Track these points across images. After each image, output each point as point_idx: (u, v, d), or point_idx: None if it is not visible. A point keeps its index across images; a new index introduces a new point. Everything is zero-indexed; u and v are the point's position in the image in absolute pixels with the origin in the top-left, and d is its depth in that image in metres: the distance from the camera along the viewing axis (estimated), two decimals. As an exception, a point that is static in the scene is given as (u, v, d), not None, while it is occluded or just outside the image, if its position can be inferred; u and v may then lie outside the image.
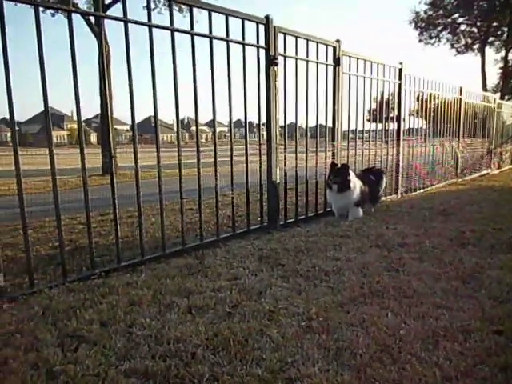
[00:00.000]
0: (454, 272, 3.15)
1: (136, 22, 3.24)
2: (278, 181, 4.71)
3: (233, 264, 3.46)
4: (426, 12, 26.99)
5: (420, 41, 28.09)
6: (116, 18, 3.24)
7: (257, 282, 2.99)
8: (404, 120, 7.15)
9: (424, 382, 1.75)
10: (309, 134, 5.29)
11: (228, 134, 4.46)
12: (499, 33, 26.65)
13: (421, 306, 2.52)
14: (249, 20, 4.11)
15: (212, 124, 4.11)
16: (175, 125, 3.83)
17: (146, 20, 3.30)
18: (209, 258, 3.65)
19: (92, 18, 11.15)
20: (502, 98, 20.29)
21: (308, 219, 5.25)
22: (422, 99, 8.09)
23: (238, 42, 4.03)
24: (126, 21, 3.20)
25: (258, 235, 4.47)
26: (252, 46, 4.19)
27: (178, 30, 3.52)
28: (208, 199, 4.65)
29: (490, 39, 26.84)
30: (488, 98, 11.27)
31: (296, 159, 4.98)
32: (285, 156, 4.80)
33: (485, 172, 10.91)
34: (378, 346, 2.03)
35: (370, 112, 7.00)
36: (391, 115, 6.95)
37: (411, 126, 7.66)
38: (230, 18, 3.92)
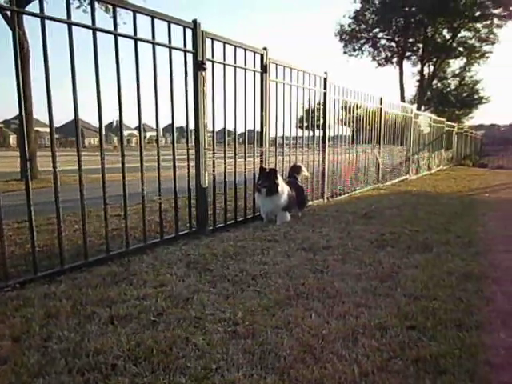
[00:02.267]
0: (374, 272, 3.32)
1: (54, 19, 3.08)
2: (206, 186, 4.68)
3: (160, 270, 3.38)
4: (349, 25, 28.45)
5: (344, 52, 29.54)
6: (32, 14, 3.07)
7: (184, 289, 2.95)
8: (330, 127, 7.46)
9: (344, 379, 1.82)
10: (239, 139, 5.34)
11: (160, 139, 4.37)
12: (415, 48, 28.73)
13: (343, 306, 2.62)
14: (176, 23, 4.06)
15: (143, 128, 3.99)
16: (101, 127, 3.67)
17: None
18: (135, 265, 3.53)
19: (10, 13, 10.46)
20: (418, 108, 21.83)
21: (237, 224, 5.27)
22: (347, 108, 8.49)
23: (165, 45, 3.96)
24: (42, 17, 3.02)
25: (187, 241, 4.41)
26: (179, 49, 4.14)
27: (100, 30, 3.39)
28: (136, 205, 4.51)
29: (408, 54, 28.86)
30: (406, 109, 12.06)
31: (225, 164, 4.99)
32: (213, 161, 4.79)
33: (404, 178, 11.62)
34: (302, 347, 2.07)
35: (299, 119, 7.22)
36: (318, 123, 7.21)
37: (338, 134, 8.01)
38: (158, 21, 3.86)
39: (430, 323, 2.34)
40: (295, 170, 6.15)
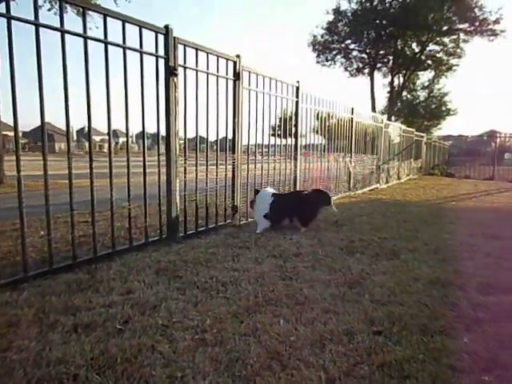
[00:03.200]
0: (343, 278, 3.35)
1: (20, 20, 3.01)
2: (177, 192, 4.64)
3: (128, 278, 3.32)
4: (322, 36, 28.92)
5: (317, 62, 29.98)
6: (-2, 14, 2.98)
7: (152, 296, 2.90)
8: (303, 136, 7.53)
9: (310, 385, 1.82)
10: (214, 146, 5.32)
11: (132, 145, 4.30)
12: (386, 60, 29.45)
13: (311, 312, 2.63)
14: (147, 28, 4.03)
15: (114, 134, 3.93)
16: (74, 132, 3.59)
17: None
18: (102, 272, 3.45)
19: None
20: (389, 118, 22.30)
21: (209, 231, 5.23)
22: (321, 117, 8.60)
23: (135, 50, 3.92)
24: (9, 17, 2.95)
25: (157, 247, 4.35)
26: (150, 54, 4.10)
27: (69, 32, 3.33)
28: (106, 211, 4.42)
29: (378, 65, 29.53)
30: (377, 119, 12.30)
31: (196, 171, 4.96)
32: (185, 167, 4.75)
33: (374, 186, 11.82)
34: (269, 354, 2.07)
35: (273, 127, 7.27)
36: (293, 131, 7.27)
37: (312, 142, 8.11)
38: (131, 27, 3.82)
39: (396, 328, 2.38)
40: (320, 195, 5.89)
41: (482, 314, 2.59)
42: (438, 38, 26.88)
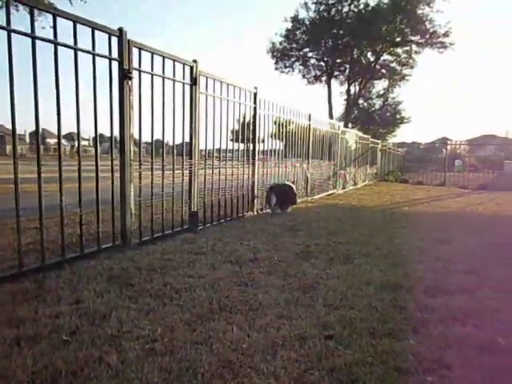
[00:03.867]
0: (297, 283, 3.38)
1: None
2: (132, 197, 4.54)
3: (77, 286, 3.21)
4: (281, 43, 29.37)
5: (276, 69, 30.39)
6: None
7: (102, 305, 2.81)
8: (263, 141, 7.60)
9: (261, 392, 1.82)
10: (170, 150, 5.25)
11: (88, 148, 4.18)
12: (342, 68, 30.26)
13: (265, 318, 2.64)
14: (100, 30, 3.94)
15: (70, 137, 3.81)
16: (27, 135, 3.44)
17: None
18: (50, 281, 3.31)
19: None
20: (346, 125, 22.84)
21: (165, 236, 5.15)
22: (279, 123, 8.70)
23: (87, 52, 3.82)
24: None
25: (110, 254, 4.22)
26: (103, 57, 4.01)
27: (16, 32, 3.20)
28: (57, 217, 4.26)
29: (336, 73, 30.31)
30: (334, 125, 12.57)
31: (152, 176, 4.88)
32: (139, 172, 4.66)
33: (331, 192, 12.04)
34: (221, 362, 2.05)
35: (232, 132, 7.28)
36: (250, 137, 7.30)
37: (271, 148, 8.19)
38: (85, 29, 3.72)
39: (347, 332, 2.42)
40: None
41: (428, 316, 2.69)
42: (391, 49, 28.00)
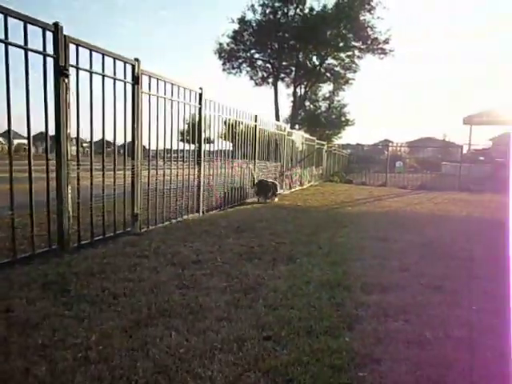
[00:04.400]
0: (239, 285, 3.39)
1: None
2: (69, 199, 4.36)
3: (8, 294, 3.03)
4: (228, 45, 29.35)
5: (224, 70, 30.33)
6: None
7: (34, 313, 2.68)
8: (211, 142, 7.57)
9: (196, 396, 1.80)
10: (120, 151, 5.12)
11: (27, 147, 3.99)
12: (288, 71, 30.75)
13: (204, 321, 2.62)
14: (33, 24, 3.75)
15: (7, 135, 3.61)
16: None
17: None
18: (-23, 290, 3.12)
19: None
20: (292, 127, 23.26)
21: (106, 240, 4.99)
22: (227, 124, 8.70)
23: (19, 46, 3.63)
24: None
25: (46, 259, 4.03)
26: (37, 52, 3.83)
27: None
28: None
29: (282, 75, 30.73)
30: (280, 127, 12.74)
31: (91, 176, 4.71)
32: (78, 173, 4.49)
33: (278, 192, 12.18)
34: (157, 368, 2.01)
35: (181, 133, 7.20)
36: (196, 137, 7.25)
37: (219, 148, 8.18)
38: (14, 21, 3.54)
39: (285, 332, 2.46)
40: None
41: (363, 313, 2.78)
42: (335, 53, 28.79)
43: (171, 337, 2.38)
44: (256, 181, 10.18)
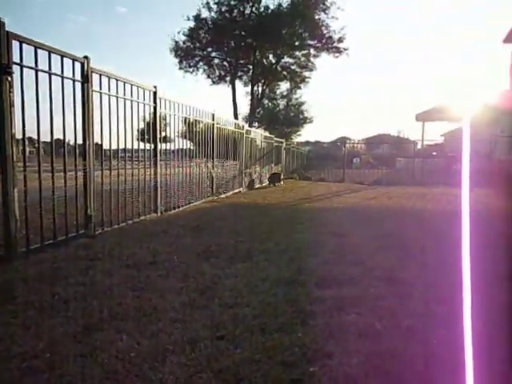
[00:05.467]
0: (195, 285, 3.36)
1: None
2: (16, 202, 4.18)
3: None
4: (184, 43, 28.93)
5: (180, 68, 29.89)
6: None
7: (-25, 323, 2.55)
8: (169, 141, 7.51)
9: (145, 401, 1.77)
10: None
11: None
12: (246, 69, 30.72)
13: (157, 323, 2.58)
14: (-29, 19, 3.57)
15: None
16: None
17: None
18: None
19: None
20: (251, 125, 23.29)
21: (57, 243, 4.81)
22: (188, 123, 8.64)
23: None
24: None
25: (-9, 266, 3.86)
26: (-25, 49, 3.65)
27: None
28: None
29: (239, 74, 30.64)
30: (238, 125, 12.74)
31: (40, 178, 4.54)
32: (24, 175, 4.30)
33: (237, 190, 12.21)
34: (105, 374, 1.96)
35: (141, 133, 7.07)
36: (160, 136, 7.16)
37: (179, 148, 8.13)
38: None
39: (239, 331, 2.45)
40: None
41: (317, 308, 2.82)
42: (291, 52, 29.02)
43: (122, 341, 2.33)
44: (215, 178, 10.16)
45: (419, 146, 23.25)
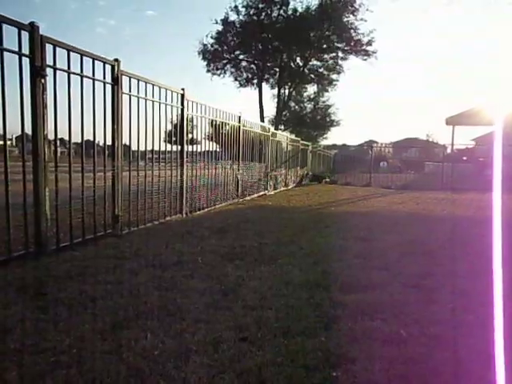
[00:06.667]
0: (219, 286, 3.38)
1: None
2: (47, 201, 4.30)
3: (-19, 299, 2.98)
4: (212, 45, 29.17)
5: (208, 71, 30.16)
6: None
7: (8, 317, 2.63)
8: (196, 143, 7.60)
9: (169, 399, 1.79)
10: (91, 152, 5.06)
11: (11, 148, 3.94)
12: (273, 72, 30.71)
13: (181, 323, 2.60)
14: (9, 24, 3.70)
15: None
16: None
17: None
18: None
19: None
20: (277, 128, 23.31)
21: (86, 242, 4.92)
22: (216, 125, 8.72)
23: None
24: None
25: (23, 262, 3.97)
26: (12, 52, 3.78)
27: None
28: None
29: (266, 76, 30.65)
30: (264, 128, 12.77)
31: (70, 178, 4.66)
32: (56, 175, 4.43)
33: (262, 193, 12.22)
34: (130, 372, 1.99)
35: (169, 134, 7.19)
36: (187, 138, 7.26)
37: (206, 150, 8.23)
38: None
39: (261, 333, 2.45)
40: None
41: (341, 312, 2.79)
42: (319, 55, 28.85)
43: (147, 339, 2.36)
44: (240, 181, 10.18)
45: (449, 151, 22.76)
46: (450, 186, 16.20)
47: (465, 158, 24.66)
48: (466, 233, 6.14)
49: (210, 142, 8.97)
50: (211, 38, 28.78)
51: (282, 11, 27.30)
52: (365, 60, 28.42)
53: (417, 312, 2.84)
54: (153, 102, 6.07)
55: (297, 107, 34.60)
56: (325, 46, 27.81)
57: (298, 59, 29.62)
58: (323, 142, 34.67)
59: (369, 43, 27.53)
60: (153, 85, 6.01)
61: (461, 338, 2.42)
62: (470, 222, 7.22)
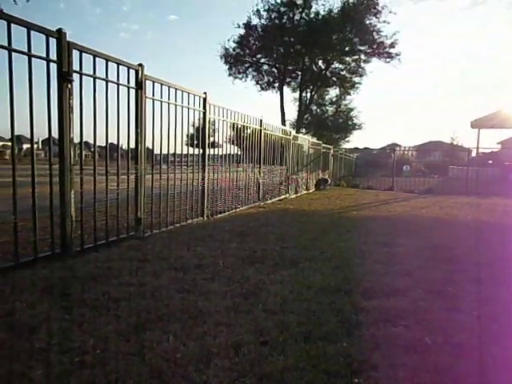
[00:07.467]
0: (239, 289, 3.38)
1: None
2: (72, 204, 4.39)
3: (9, 298, 3.06)
4: (234, 49, 29.32)
5: (230, 75, 30.30)
6: None
7: (33, 317, 2.70)
8: (217, 146, 7.62)
9: (190, 402, 1.80)
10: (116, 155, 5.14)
11: (37, 151, 4.03)
12: (294, 75, 30.63)
13: (203, 326, 2.62)
14: (37, 31, 3.80)
15: (19, 139, 3.66)
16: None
17: None
18: (-21, 294, 3.15)
19: None
20: (298, 131, 23.21)
21: (109, 244, 5.01)
22: (237, 129, 8.75)
23: (23, 53, 3.68)
24: None
25: (48, 263, 4.06)
26: (40, 58, 3.88)
27: None
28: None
29: (288, 80, 30.59)
30: (286, 131, 12.74)
31: (95, 181, 4.75)
32: (81, 177, 4.52)
33: (284, 196, 12.18)
34: (152, 373, 2.01)
35: (190, 138, 7.26)
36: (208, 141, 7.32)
37: (228, 153, 8.29)
38: (15, 27, 3.59)
39: (282, 337, 2.44)
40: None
41: (363, 318, 2.76)
42: (341, 57, 28.61)
43: (168, 341, 2.38)
44: (261, 184, 10.20)
45: (474, 154, 22.29)
46: (474, 190, 15.85)
47: (490, 162, 24.09)
48: (490, 239, 5.99)
49: (231, 146, 9.01)
50: (233, 42, 28.96)
51: (304, 14, 27.21)
52: (388, 62, 28.09)
53: (440, 319, 2.79)
54: (175, 105, 6.13)
55: (318, 110, 34.41)
56: (347, 48, 27.57)
57: (320, 62, 29.46)
58: (345, 146, 34.44)
59: (392, 45, 27.17)
60: (176, 89, 6.08)
61: (486, 346, 2.36)
62: (495, 228, 7.05)
